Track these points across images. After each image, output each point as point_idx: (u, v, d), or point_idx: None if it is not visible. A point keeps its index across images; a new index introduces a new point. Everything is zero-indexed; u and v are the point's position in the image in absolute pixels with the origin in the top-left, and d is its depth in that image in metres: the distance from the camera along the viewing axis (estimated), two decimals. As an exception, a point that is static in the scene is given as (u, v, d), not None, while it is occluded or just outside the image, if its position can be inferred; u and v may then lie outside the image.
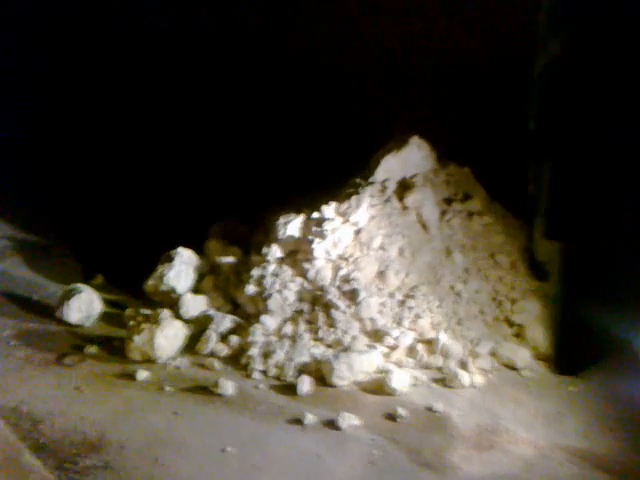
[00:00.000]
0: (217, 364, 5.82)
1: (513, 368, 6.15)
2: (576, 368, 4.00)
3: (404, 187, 7.26)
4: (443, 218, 7.31)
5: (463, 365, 6.00)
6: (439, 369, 6.01)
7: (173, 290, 6.76)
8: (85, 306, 6.42)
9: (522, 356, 6.18)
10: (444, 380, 5.83)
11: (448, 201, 7.57)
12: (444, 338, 6.10)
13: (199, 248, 7.39)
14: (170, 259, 6.95)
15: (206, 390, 5.38)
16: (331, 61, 8.91)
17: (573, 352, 3.20)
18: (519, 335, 6.58)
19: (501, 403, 5.58)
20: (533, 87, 4.21)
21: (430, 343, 6.15)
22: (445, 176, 7.74)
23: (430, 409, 5.36)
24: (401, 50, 8.45)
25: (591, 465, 4.80)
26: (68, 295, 6.43)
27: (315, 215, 6.82)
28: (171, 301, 6.73)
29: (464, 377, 5.76)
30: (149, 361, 5.75)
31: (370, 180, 7.26)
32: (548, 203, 3.12)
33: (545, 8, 4.67)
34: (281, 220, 6.88)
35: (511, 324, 6.72)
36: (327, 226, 6.63)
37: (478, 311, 6.68)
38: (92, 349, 5.91)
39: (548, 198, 3.11)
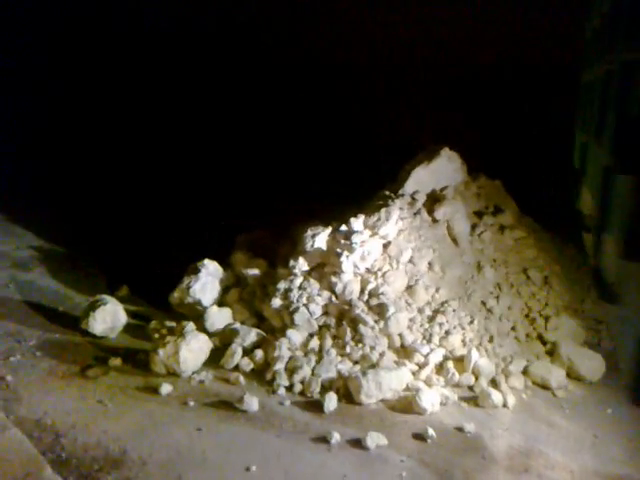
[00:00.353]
0: (242, 379, 5.71)
1: (547, 388, 5.93)
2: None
3: (434, 200, 7.11)
4: (474, 232, 7.15)
5: (495, 384, 5.81)
6: (470, 388, 5.82)
7: (199, 302, 6.68)
8: (110, 318, 6.37)
9: (556, 375, 5.96)
10: (475, 399, 5.64)
11: (479, 214, 7.42)
12: (476, 356, 5.91)
13: (223, 259, 7.33)
14: (196, 271, 6.88)
15: (230, 405, 5.27)
16: (358, 73, 8.86)
17: None
18: (552, 353, 6.37)
19: (535, 425, 5.37)
20: (611, 96, 3.97)
21: (461, 361, 5.97)
22: (476, 189, 7.59)
23: (461, 430, 5.18)
24: (434, 66, 8.38)
25: (630, 493, 4.58)
26: (93, 306, 6.38)
27: (343, 228, 6.70)
28: (196, 313, 6.65)
29: (496, 397, 5.57)
30: (173, 375, 5.66)
31: (399, 192, 7.13)
32: (631, 222, 2.85)
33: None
34: (308, 232, 6.77)
35: (544, 342, 6.53)
36: (355, 239, 6.50)
37: (510, 328, 6.50)
38: (116, 361, 5.84)
39: (632, 216, 2.85)
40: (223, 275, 7.06)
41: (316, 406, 5.37)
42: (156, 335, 6.29)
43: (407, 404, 5.46)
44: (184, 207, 9.04)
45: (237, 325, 6.44)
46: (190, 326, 6.20)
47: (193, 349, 5.75)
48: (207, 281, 6.85)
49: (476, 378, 5.87)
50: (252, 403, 5.24)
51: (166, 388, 5.42)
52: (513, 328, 6.51)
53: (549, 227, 7.74)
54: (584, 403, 5.75)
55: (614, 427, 5.40)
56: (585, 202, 5.47)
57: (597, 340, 6.73)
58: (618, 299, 3.44)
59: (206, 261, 7.04)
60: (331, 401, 5.37)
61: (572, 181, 7.25)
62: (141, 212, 9.23)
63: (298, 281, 6.56)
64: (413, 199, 7.09)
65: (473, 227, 7.18)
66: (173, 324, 6.47)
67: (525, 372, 6.06)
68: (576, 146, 6.97)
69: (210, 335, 6.26)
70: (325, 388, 5.60)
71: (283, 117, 9.38)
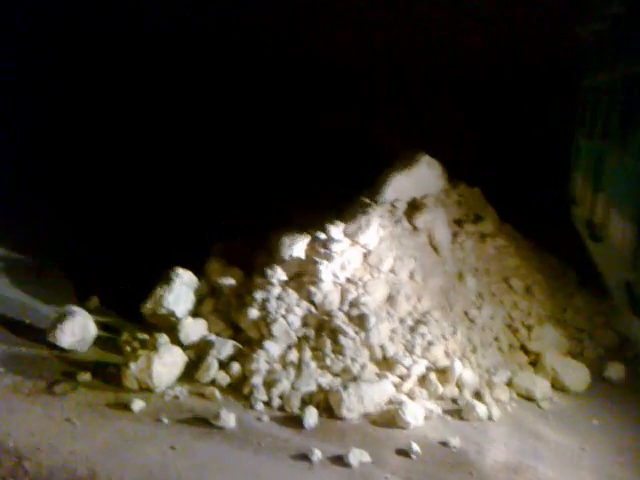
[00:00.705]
0: (218, 394, 5.46)
1: (531, 399, 5.81)
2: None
3: (414, 207, 6.98)
4: (455, 240, 7.03)
5: (479, 396, 5.66)
6: (453, 400, 5.67)
7: (172, 314, 6.42)
8: (79, 330, 6.07)
9: (541, 387, 5.84)
10: (460, 412, 5.48)
11: (459, 222, 7.30)
12: (459, 367, 5.75)
13: (198, 269, 7.08)
14: (169, 280, 6.61)
15: (206, 422, 5.02)
16: (336, 73, 8.73)
17: None
18: (536, 364, 6.26)
19: (520, 438, 5.23)
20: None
21: (444, 372, 5.80)
22: (456, 196, 7.48)
23: (446, 444, 5.00)
24: (415, 68, 8.30)
25: (620, 508, 4.45)
26: (61, 318, 6.08)
27: (321, 236, 6.52)
28: (170, 325, 6.38)
29: (481, 409, 5.42)
30: (146, 390, 5.39)
31: (379, 199, 6.97)
32: None
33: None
34: (286, 241, 6.56)
35: (527, 352, 6.42)
36: (335, 248, 6.32)
37: (493, 338, 6.38)
38: (85, 376, 5.54)
39: None
40: (198, 285, 6.80)
41: (296, 421, 5.16)
42: (128, 348, 6.02)
43: (390, 418, 5.27)
44: (157, 215, 8.76)
45: (212, 337, 6.20)
46: (163, 338, 5.95)
47: (167, 363, 5.50)
48: (181, 291, 6.60)
49: (460, 390, 5.72)
50: (229, 419, 5.00)
51: (138, 404, 5.15)
52: (496, 338, 6.39)
53: (531, 234, 7.65)
54: (570, 414, 5.64)
55: (601, 438, 5.29)
56: (597, 211, 5.35)
57: (580, 350, 6.64)
58: None
59: (180, 270, 6.78)
60: (311, 416, 5.16)
61: (569, 188, 7.19)
62: (112, 220, 8.91)
63: (276, 291, 6.34)
64: (393, 207, 6.95)
65: (454, 235, 7.06)
66: (145, 336, 6.20)
67: (509, 383, 5.93)
68: (581, 152, 6.90)
69: (184, 348, 6.00)
70: (305, 402, 5.38)
71: (255, 124, 9.18)
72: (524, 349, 6.42)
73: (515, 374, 6.01)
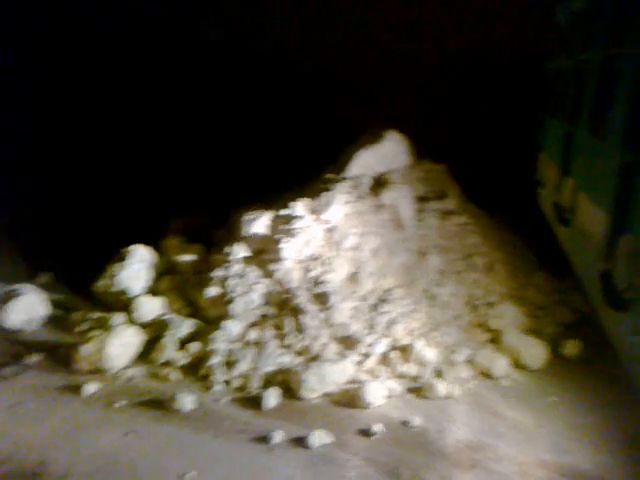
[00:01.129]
0: (174, 375, 5.31)
1: (492, 377, 5.81)
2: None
3: (379, 184, 6.86)
4: (418, 217, 6.95)
5: (439, 374, 5.64)
6: (414, 378, 5.63)
7: (126, 291, 6.21)
8: (27, 309, 5.82)
9: (500, 364, 5.84)
10: (421, 390, 5.45)
11: (423, 199, 7.22)
12: (419, 345, 5.72)
13: (156, 245, 6.86)
14: (124, 257, 6.39)
15: (162, 405, 4.87)
16: (300, 56, 8.52)
17: None
18: (495, 341, 6.26)
19: (480, 416, 5.23)
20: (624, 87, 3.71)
21: (405, 350, 5.76)
22: (421, 173, 7.39)
23: (407, 423, 4.97)
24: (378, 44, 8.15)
25: (576, 484, 4.50)
26: (8, 297, 5.81)
27: (284, 212, 6.36)
28: (124, 303, 6.17)
29: (442, 387, 5.40)
30: (99, 372, 5.20)
31: (343, 175, 6.83)
32: None
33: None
34: (246, 217, 6.39)
35: (487, 329, 6.41)
36: (297, 224, 6.17)
37: (453, 316, 6.35)
38: (34, 358, 5.32)
39: None
40: (155, 261, 6.60)
41: (256, 403, 5.05)
42: (80, 328, 5.80)
43: (351, 398, 5.21)
44: (116, 191, 8.45)
45: (170, 315, 6.02)
46: (117, 317, 5.75)
47: (121, 343, 5.31)
48: (136, 268, 6.39)
49: (421, 368, 5.69)
50: (186, 401, 4.87)
51: (91, 387, 4.96)
52: (456, 316, 6.37)
53: (494, 213, 7.64)
54: (528, 392, 5.66)
55: (559, 415, 5.32)
56: (565, 195, 5.28)
57: (538, 327, 6.67)
58: (629, 307, 3.24)
59: (135, 246, 6.56)
60: (271, 397, 5.06)
61: (537, 170, 7.14)
62: (69, 194, 8.56)
63: (236, 268, 6.19)
64: (357, 183, 6.82)
65: (418, 212, 6.98)
66: (99, 315, 5.98)
67: (470, 361, 5.92)
68: (549, 135, 6.85)
69: (140, 326, 5.82)
70: (265, 383, 5.28)
71: (219, 101, 8.89)
72: (484, 327, 6.40)
73: (476, 352, 5.99)
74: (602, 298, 3.44)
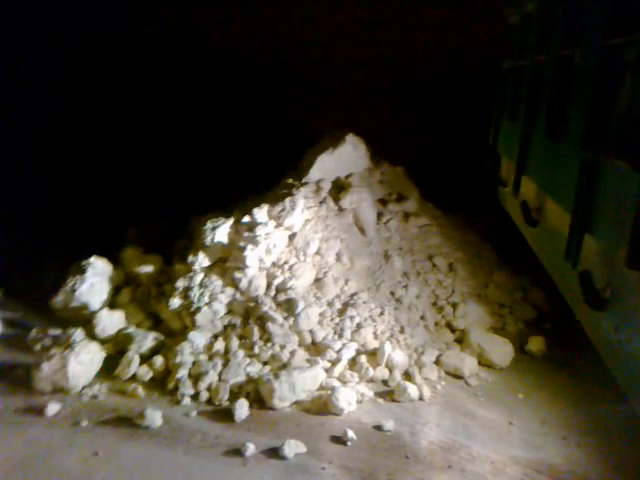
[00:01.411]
0: (141, 390, 5.14)
1: (459, 377, 5.85)
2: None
3: (339, 188, 6.84)
4: (380, 220, 6.96)
5: (409, 377, 5.64)
6: (384, 382, 5.62)
7: (86, 306, 6.00)
8: (-22, 328, 5.55)
9: (468, 364, 5.89)
10: (391, 394, 5.44)
11: (383, 202, 7.24)
12: (389, 348, 5.70)
13: (112, 256, 6.66)
14: (81, 270, 6.17)
15: (130, 422, 4.71)
16: (255, 59, 8.45)
17: None
18: (462, 341, 6.31)
19: (451, 416, 5.25)
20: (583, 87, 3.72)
21: (373, 354, 5.75)
22: (380, 175, 7.41)
23: (380, 428, 4.95)
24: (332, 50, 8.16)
25: (549, 478, 4.55)
26: (-43, 317, 5.54)
27: (246, 219, 6.26)
28: (84, 318, 5.96)
29: (412, 390, 5.40)
30: (61, 391, 4.99)
31: (304, 180, 6.78)
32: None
33: None
34: (208, 225, 6.26)
35: (453, 329, 6.46)
36: (260, 231, 6.08)
37: (419, 317, 6.38)
38: (-10, 380, 5.08)
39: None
40: (113, 274, 6.40)
41: (226, 415, 4.94)
42: (38, 346, 5.56)
43: (322, 405, 5.16)
44: (65, 200, 8.17)
45: (132, 329, 5.85)
46: (78, 334, 5.53)
47: (83, 361, 5.11)
48: (95, 281, 6.18)
49: (390, 372, 5.68)
50: (154, 417, 4.72)
51: (53, 408, 4.76)
52: (422, 317, 6.39)
53: (452, 212, 7.72)
54: (497, 390, 5.72)
55: (527, 412, 5.39)
56: (528, 194, 5.34)
57: (502, 325, 6.77)
58: (606, 306, 3.27)
59: (93, 259, 6.35)
60: (242, 408, 4.95)
61: (498, 170, 7.22)
62: (22, 205, 8.22)
63: (198, 278, 6.06)
64: (318, 187, 6.78)
65: (379, 215, 6.99)
66: (58, 332, 5.76)
67: (437, 362, 5.95)
68: (508, 135, 6.93)
69: (101, 342, 5.63)
70: (234, 394, 5.17)
71: (176, 107, 8.73)
72: (450, 327, 6.45)
73: (443, 352, 6.03)
74: (580, 297, 3.48)
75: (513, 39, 6.97)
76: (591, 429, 5.10)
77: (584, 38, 3.95)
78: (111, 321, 5.90)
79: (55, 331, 5.81)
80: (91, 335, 5.69)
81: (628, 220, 2.59)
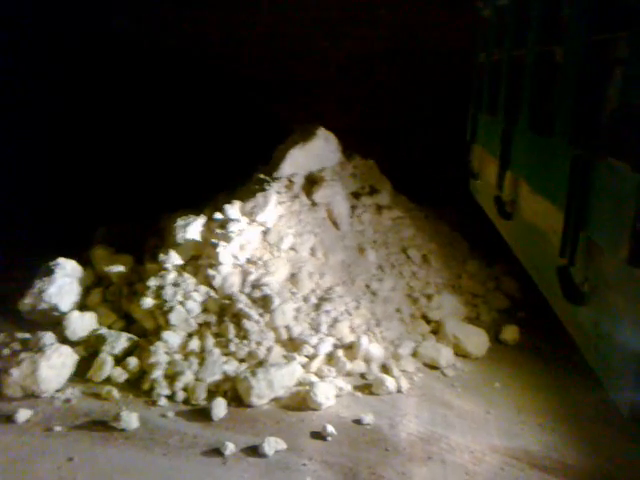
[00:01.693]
0: (115, 392, 5.04)
1: (436, 368, 5.87)
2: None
3: (312, 182, 6.80)
4: (353, 213, 6.94)
5: (386, 369, 5.64)
6: (362, 376, 5.61)
7: (55, 308, 5.86)
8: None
9: (445, 354, 5.91)
10: (369, 387, 5.43)
11: (356, 195, 7.22)
12: (365, 342, 5.70)
13: (81, 257, 6.53)
14: (50, 272, 6.03)
15: (105, 425, 4.60)
16: (224, 54, 8.37)
17: None
18: (437, 332, 6.34)
19: (430, 407, 5.27)
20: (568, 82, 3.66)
21: (350, 348, 5.73)
22: (352, 169, 7.39)
23: (359, 422, 4.94)
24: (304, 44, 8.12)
25: (528, 465, 4.59)
26: None
27: (218, 216, 6.18)
28: (54, 321, 5.82)
29: (390, 382, 5.39)
30: (33, 396, 4.86)
31: (276, 175, 6.72)
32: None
33: None
34: (179, 222, 6.17)
35: (428, 321, 6.48)
36: (232, 227, 6.01)
37: (395, 310, 6.38)
38: (-44, 388, 4.91)
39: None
40: (83, 274, 6.27)
41: (204, 414, 4.87)
42: (7, 351, 5.41)
43: (301, 400, 5.12)
44: (32, 199, 7.97)
45: (104, 330, 5.72)
46: (48, 337, 5.40)
47: (55, 365, 4.98)
48: (64, 283, 6.04)
49: (367, 365, 5.67)
50: (130, 419, 4.63)
51: (24, 414, 4.62)
52: (398, 310, 6.40)
53: (424, 204, 7.75)
54: (473, 379, 5.75)
55: (504, 400, 5.44)
56: (508, 189, 5.34)
57: (476, 315, 6.82)
58: (584, 301, 3.28)
59: (61, 260, 6.21)
60: (219, 407, 4.89)
61: (470, 163, 7.25)
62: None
63: (171, 277, 5.96)
64: (290, 182, 6.73)
65: (352, 209, 6.98)
66: (27, 336, 5.61)
67: (414, 354, 5.96)
68: (483, 129, 6.94)
69: (73, 344, 5.51)
70: (211, 393, 5.10)
71: (144, 103, 8.58)
72: (425, 318, 6.47)
73: (419, 344, 6.05)
74: (558, 292, 3.49)
75: (488, 32, 6.98)
76: (566, 415, 5.16)
77: (569, 33, 3.94)
78: (82, 323, 5.77)
79: (24, 335, 5.66)
80: (62, 338, 5.56)
81: (628, 220, 2.59)
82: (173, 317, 5.61)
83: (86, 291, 6.23)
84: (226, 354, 5.46)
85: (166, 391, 5.08)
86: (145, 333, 5.76)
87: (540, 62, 4.65)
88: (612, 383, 3.05)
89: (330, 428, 4.75)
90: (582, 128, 3.53)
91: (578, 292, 3.31)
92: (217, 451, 4.43)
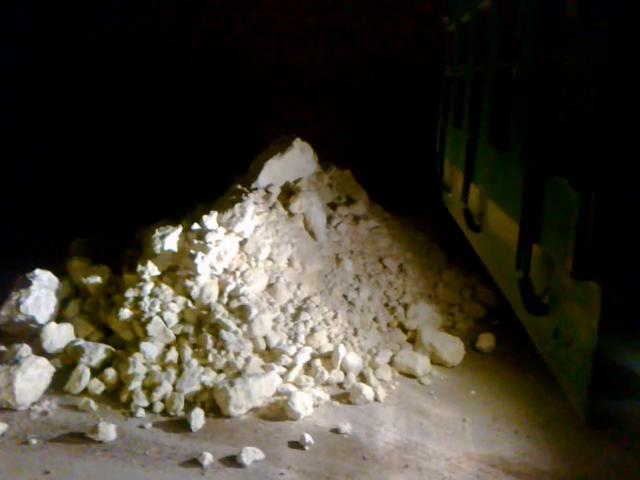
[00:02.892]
0: (93, 404, 5.03)
1: (413, 376, 5.94)
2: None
3: (288, 192, 6.85)
4: (330, 224, 7.02)
5: (364, 378, 5.69)
6: (340, 385, 5.66)
7: (32, 320, 5.82)
8: None
9: (421, 363, 5.99)
10: (347, 396, 5.48)
11: (333, 205, 7.30)
12: (343, 351, 5.75)
13: (57, 268, 6.49)
14: (26, 284, 5.98)
15: (83, 437, 4.59)
16: (202, 64, 8.40)
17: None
18: (414, 341, 6.42)
19: (407, 416, 5.33)
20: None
21: (328, 358, 5.78)
22: (328, 179, 7.47)
23: (337, 431, 4.98)
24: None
25: (503, 472, 4.67)
26: None
27: (195, 227, 6.20)
28: (30, 333, 5.79)
29: (367, 391, 5.45)
30: (9, 409, 4.83)
31: (253, 186, 6.76)
32: (582, 239, 2.64)
33: None
34: (157, 233, 6.17)
35: (405, 330, 6.56)
36: (210, 238, 6.03)
37: (372, 319, 6.45)
38: None
39: (582, 234, 2.63)
40: (59, 286, 6.23)
41: (182, 425, 4.88)
42: (-19, 364, 5.38)
43: (279, 410, 5.16)
44: (8, 213, 7.90)
45: (81, 342, 5.69)
46: (25, 349, 5.37)
47: (31, 377, 4.96)
48: (41, 294, 6.00)
49: (345, 374, 5.72)
50: (108, 431, 4.62)
51: (1, 427, 4.59)
52: (375, 319, 6.46)
53: (400, 213, 7.85)
54: (449, 387, 5.84)
55: (480, 408, 5.52)
56: (476, 202, 5.44)
57: (452, 323, 6.92)
58: (545, 311, 3.37)
59: (38, 271, 6.17)
60: (198, 418, 4.90)
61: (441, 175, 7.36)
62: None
63: (148, 288, 5.95)
64: (267, 193, 6.77)
65: (328, 219, 7.04)
66: (3, 348, 5.57)
67: (391, 362, 6.02)
68: (450, 141, 7.06)
69: (50, 357, 5.48)
70: (189, 404, 5.11)
71: (123, 112, 8.56)
72: (402, 327, 6.55)
73: (396, 353, 6.11)
74: (521, 304, 3.58)
75: (454, 47, 7.13)
76: (541, 422, 5.26)
77: (521, 52, 4.07)
78: (59, 335, 5.74)
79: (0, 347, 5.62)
80: (39, 350, 5.53)
81: (572, 234, 2.70)
82: (151, 328, 5.60)
83: (63, 303, 6.20)
84: (204, 365, 5.48)
85: (144, 402, 5.08)
86: (123, 344, 5.75)
87: (498, 78, 4.78)
88: (570, 389, 3.14)
89: (308, 437, 4.79)
90: (534, 143, 3.64)
91: (539, 303, 3.39)
92: (195, 461, 4.45)
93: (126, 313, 5.76)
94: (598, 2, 2.65)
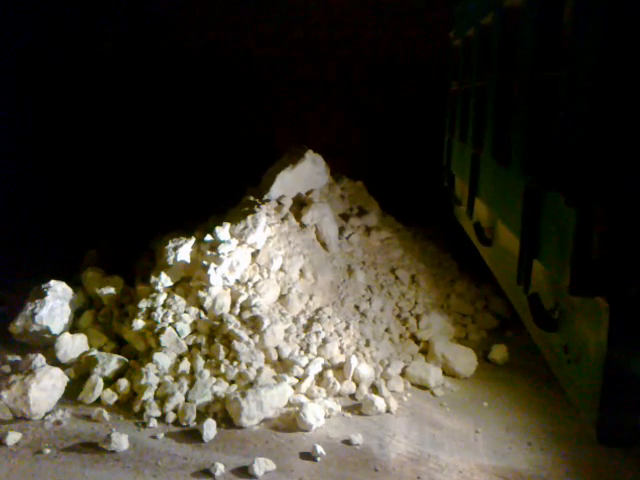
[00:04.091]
0: (106, 414, 5.06)
1: (425, 387, 5.92)
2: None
3: (300, 204, 6.88)
4: (342, 235, 7.03)
5: (376, 390, 5.68)
6: (352, 396, 5.65)
7: (47, 330, 5.88)
8: None
9: (433, 374, 5.97)
10: (359, 408, 5.47)
11: (345, 216, 7.32)
12: (355, 362, 5.74)
13: (72, 279, 6.56)
14: (41, 294, 6.06)
15: (95, 447, 4.62)
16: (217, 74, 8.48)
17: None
18: (426, 352, 6.39)
19: (419, 427, 5.31)
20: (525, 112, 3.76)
21: (340, 369, 5.77)
22: (340, 191, 7.49)
23: (349, 442, 4.97)
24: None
25: (516, 485, 4.64)
26: None
27: (208, 238, 6.24)
28: (45, 343, 5.85)
29: (379, 403, 5.44)
30: (23, 419, 4.87)
31: (265, 198, 6.81)
32: (579, 255, 2.63)
33: None
34: (170, 244, 6.22)
35: (417, 341, 6.54)
36: (222, 249, 6.07)
37: (384, 330, 6.44)
38: (-56, 411, 4.92)
39: (580, 250, 2.63)
40: (74, 297, 6.30)
41: (194, 436, 4.90)
42: (-3, 373, 5.44)
43: (291, 421, 5.16)
44: (24, 224, 8.00)
45: (95, 352, 5.74)
46: (39, 359, 5.41)
47: (45, 387, 5.00)
48: (55, 305, 6.06)
49: (357, 385, 5.71)
50: (121, 441, 4.65)
51: (14, 437, 4.63)
52: (387, 330, 6.46)
53: (412, 224, 7.85)
54: (462, 399, 5.80)
55: (492, 419, 5.49)
56: (481, 213, 5.45)
57: (464, 334, 6.89)
58: (555, 327, 3.36)
59: (52, 282, 6.24)
60: (210, 428, 4.91)
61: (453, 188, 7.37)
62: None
63: (161, 298, 6.00)
64: (280, 204, 6.81)
65: (341, 230, 7.06)
66: (18, 358, 5.63)
67: (403, 374, 6.01)
68: (457, 156, 7.09)
69: (64, 367, 5.53)
70: (201, 414, 5.13)
71: (136, 122, 8.66)
72: (414, 338, 6.53)
73: (408, 364, 6.09)
74: (531, 319, 3.57)
75: (459, 61, 7.17)
76: (555, 435, 5.21)
77: (520, 69, 4.09)
78: (73, 345, 5.80)
79: (14, 357, 5.68)
80: (53, 360, 5.58)
81: (568, 250, 2.70)
82: (164, 339, 5.64)
83: (77, 313, 6.26)
84: (216, 375, 5.49)
85: (156, 412, 5.10)
86: (136, 355, 5.78)
87: (500, 93, 4.79)
88: (581, 406, 3.12)
89: (319, 449, 4.78)
90: (534, 159, 3.64)
91: (548, 319, 3.38)
92: (207, 472, 4.46)
93: (139, 324, 5.81)
94: (592, 20, 2.67)
